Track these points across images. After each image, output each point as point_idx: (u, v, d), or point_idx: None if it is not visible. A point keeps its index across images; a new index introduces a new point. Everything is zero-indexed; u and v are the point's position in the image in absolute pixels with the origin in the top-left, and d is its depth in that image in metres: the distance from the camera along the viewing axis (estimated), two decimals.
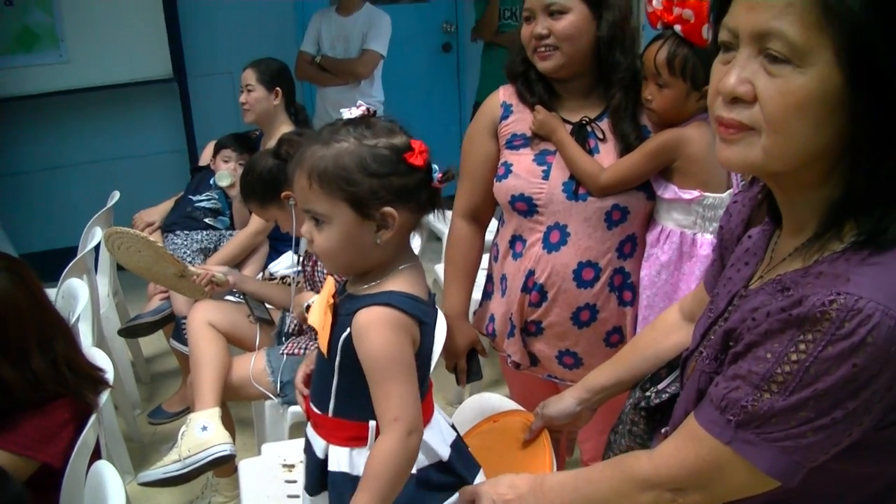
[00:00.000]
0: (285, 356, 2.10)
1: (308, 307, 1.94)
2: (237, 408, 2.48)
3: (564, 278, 1.66)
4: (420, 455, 1.18)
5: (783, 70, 0.77)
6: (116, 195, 3.10)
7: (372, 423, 1.18)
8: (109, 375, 1.71)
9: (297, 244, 2.28)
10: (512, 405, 1.55)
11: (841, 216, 0.82)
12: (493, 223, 1.90)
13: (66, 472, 1.50)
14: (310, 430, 1.28)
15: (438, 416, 1.29)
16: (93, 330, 2.46)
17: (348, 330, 1.16)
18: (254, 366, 2.12)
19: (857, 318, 0.75)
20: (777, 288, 0.85)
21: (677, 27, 1.56)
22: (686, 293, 1.44)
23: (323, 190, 1.12)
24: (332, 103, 3.71)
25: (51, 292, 1.99)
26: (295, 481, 1.77)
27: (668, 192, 1.63)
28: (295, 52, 3.80)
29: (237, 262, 2.72)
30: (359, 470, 1.19)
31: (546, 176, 1.66)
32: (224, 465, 2.07)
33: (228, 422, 2.16)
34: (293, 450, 1.87)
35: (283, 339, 2.19)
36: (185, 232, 2.93)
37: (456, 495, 1.22)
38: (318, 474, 1.24)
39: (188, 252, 2.85)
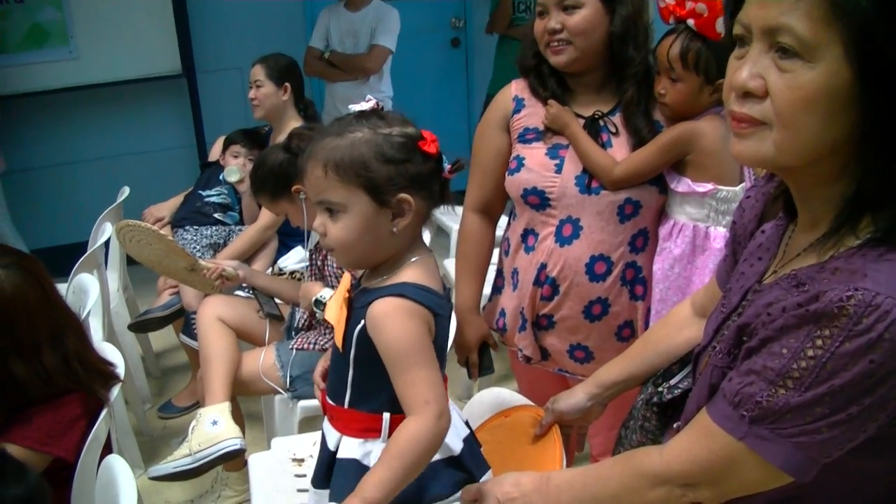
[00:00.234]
0: (295, 351, 2.10)
1: (317, 301, 1.95)
2: (247, 402, 2.49)
3: (577, 272, 1.66)
4: None
5: (793, 65, 0.77)
6: (126, 191, 3.11)
7: (386, 416, 1.18)
8: (120, 370, 1.71)
9: (308, 239, 2.28)
10: (522, 400, 1.54)
11: (856, 212, 0.82)
12: (503, 219, 1.89)
13: (77, 467, 1.50)
14: (326, 424, 1.28)
15: (453, 410, 1.28)
16: (103, 325, 2.46)
17: (362, 322, 1.16)
18: (263, 361, 2.12)
19: (875, 314, 0.74)
20: (792, 283, 0.84)
21: (690, 21, 1.56)
22: (700, 286, 1.44)
23: (339, 178, 1.12)
24: (341, 99, 3.70)
25: (61, 288, 2.00)
26: (305, 475, 1.77)
27: (682, 185, 1.63)
28: (303, 48, 3.80)
29: (247, 258, 2.72)
30: (369, 459, 1.19)
31: (559, 170, 1.66)
32: (234, 460, 2.07)
33: (238, 416, 2.17)
34: (303, 444, 1.88)
35: (293, 333, 2.20)
36: (195, 227, 2.94)
37: (459, 493, 1.20)
38: (326, 467, 1.25)
39: (198, 247, 2.86)
